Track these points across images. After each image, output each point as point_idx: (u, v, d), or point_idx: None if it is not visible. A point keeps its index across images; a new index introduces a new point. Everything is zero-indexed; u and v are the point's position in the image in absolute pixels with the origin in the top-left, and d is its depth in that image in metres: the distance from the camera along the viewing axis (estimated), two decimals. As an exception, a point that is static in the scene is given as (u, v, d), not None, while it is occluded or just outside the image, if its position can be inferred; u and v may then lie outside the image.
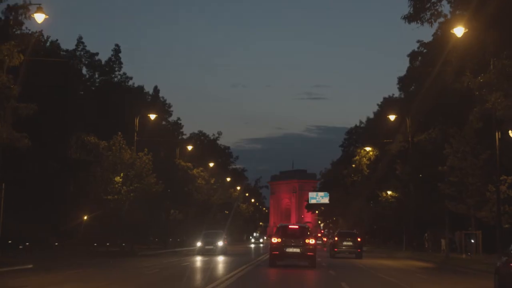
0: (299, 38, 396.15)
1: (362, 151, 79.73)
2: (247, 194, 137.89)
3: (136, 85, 74.89)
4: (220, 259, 45.40)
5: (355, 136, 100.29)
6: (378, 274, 32.01)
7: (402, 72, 67.41)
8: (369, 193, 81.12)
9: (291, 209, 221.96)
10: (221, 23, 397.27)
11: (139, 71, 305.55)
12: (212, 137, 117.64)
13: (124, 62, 73.37)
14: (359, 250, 49.54)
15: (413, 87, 64.56)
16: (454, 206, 44.92)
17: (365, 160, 79.44)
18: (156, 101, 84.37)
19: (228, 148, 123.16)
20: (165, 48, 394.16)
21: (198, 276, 29.30)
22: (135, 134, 60.08)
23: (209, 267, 34.92)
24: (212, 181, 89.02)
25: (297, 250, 33.81)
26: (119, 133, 56.84)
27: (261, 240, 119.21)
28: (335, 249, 50.75)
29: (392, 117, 60.08)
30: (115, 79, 70.24)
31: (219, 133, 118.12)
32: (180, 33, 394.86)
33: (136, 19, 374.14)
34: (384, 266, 40.96)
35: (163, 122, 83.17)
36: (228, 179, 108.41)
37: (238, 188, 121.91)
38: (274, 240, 34.48)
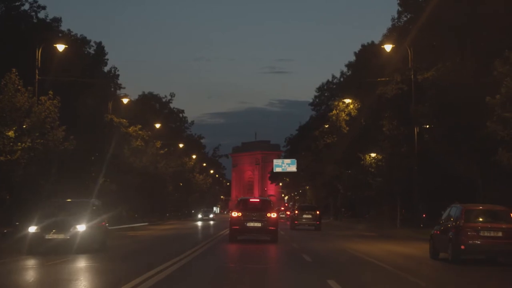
0: (262, 12, 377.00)
1: (341, 103, 61.61)
2: (204, 164, 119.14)
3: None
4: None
5: (328, 93, 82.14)
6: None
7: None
8: (347, 157, 63.60)
9: (254, 181, 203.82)
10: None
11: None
12: (164, 100, 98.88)
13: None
14: (317, 223, 50.34)
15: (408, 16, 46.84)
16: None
17: (343, 115, 61.56)
18: (99, 60, 66.03)
19: (183, 111, 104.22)
20: (124, 20, 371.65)
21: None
22: (36, 72, 41.68)
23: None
24: (158, 145, 70.68)
25: (258, 224, 31.13)
26: (13, 69, 38.60)
27: (211, 216, 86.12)
28: (296, 222, 51.34)
29: (388, 48, 41.91)
30: (23, 8, 51.35)
31: (172, 95, 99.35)
32: (143, 5, 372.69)
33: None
34: (402, 256, 23.82)
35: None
36: (181, 145, 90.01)
37: (194, 156, 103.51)
38: (235, 214, 31.84)
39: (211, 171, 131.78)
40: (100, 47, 67.29)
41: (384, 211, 68.17)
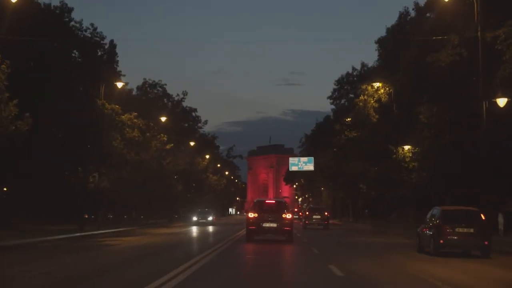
0: (275, 26, 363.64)
1: (369, 87, 47.54)
2: (218, 165, 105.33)
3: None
4: None
5: (347, 86, 68.06)
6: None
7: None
8: (374, 152, 49.80)
9: (269, 184, 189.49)
10: (202, 10, 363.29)
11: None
12: (176, 98, 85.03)
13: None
14: (326, 222, 49.78)
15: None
16: None
17: (372, 101, 47.57)
18: (110, 60, 53.17)
19: (195, 110, 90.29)
20: (145, 31, 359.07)
21: None
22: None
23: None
24: (164, 138, 56.98)
25: (274, 225, 28.55)
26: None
27: (210, 218, 59.39)
28: (306, 222, 51.20)
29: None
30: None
31: (185, 93, 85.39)
32: (160, 20, 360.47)
33: None
34: None
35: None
36: (192, 143, 76.29)
37: (207, 156, 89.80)
38: (251, 215, 29.08)
39: (226, 173, 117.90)
40: (112, 48, 54.42)
41: (409, 213, 54.41)
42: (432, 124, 40.54)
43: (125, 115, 44.46)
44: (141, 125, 45.09)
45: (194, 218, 58.93)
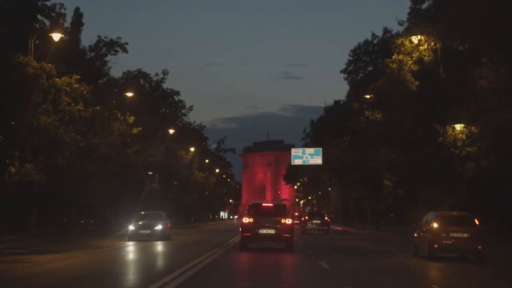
0: (274, 17, 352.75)
1: (407, 42, 35.70)
2: (207, 161, 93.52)
3: None
4: None
5: (366, 57, 56.52)
6: None
7: None
8: (411, 133, 38.50)
9: (266, 184, 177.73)
10: (197, 3, 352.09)
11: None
12: (155, 78, 73.30)
13: None
14: (326, 228, 50.08)
15: None
16: None
17: (410, 62, 36.03)
18: (74, 31, 42.47)
19: (178, 93, 78.52)
20: (136, 25, 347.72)
21: None
22: None
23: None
24: (131, 119, 44.94)
25: (272, 231, 26.06)
26: None
27: (158, 228, 34.27)
28: (306, 227, 51.08)
29: None
30: None
31: (165, 72, 73.53)
32: (155, 13, 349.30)
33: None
34: None
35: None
36: (172, 131, 64.75)
37: (192, 149, 78.26)
38: (246, 220, 26.50)
39: (217, 170, 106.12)
40: (78, 17, 43.64)
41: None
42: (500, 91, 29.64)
43: (63, 78, 32.92)
44: (85, 92, 33.39)
45: (131, 228, 34.69)
